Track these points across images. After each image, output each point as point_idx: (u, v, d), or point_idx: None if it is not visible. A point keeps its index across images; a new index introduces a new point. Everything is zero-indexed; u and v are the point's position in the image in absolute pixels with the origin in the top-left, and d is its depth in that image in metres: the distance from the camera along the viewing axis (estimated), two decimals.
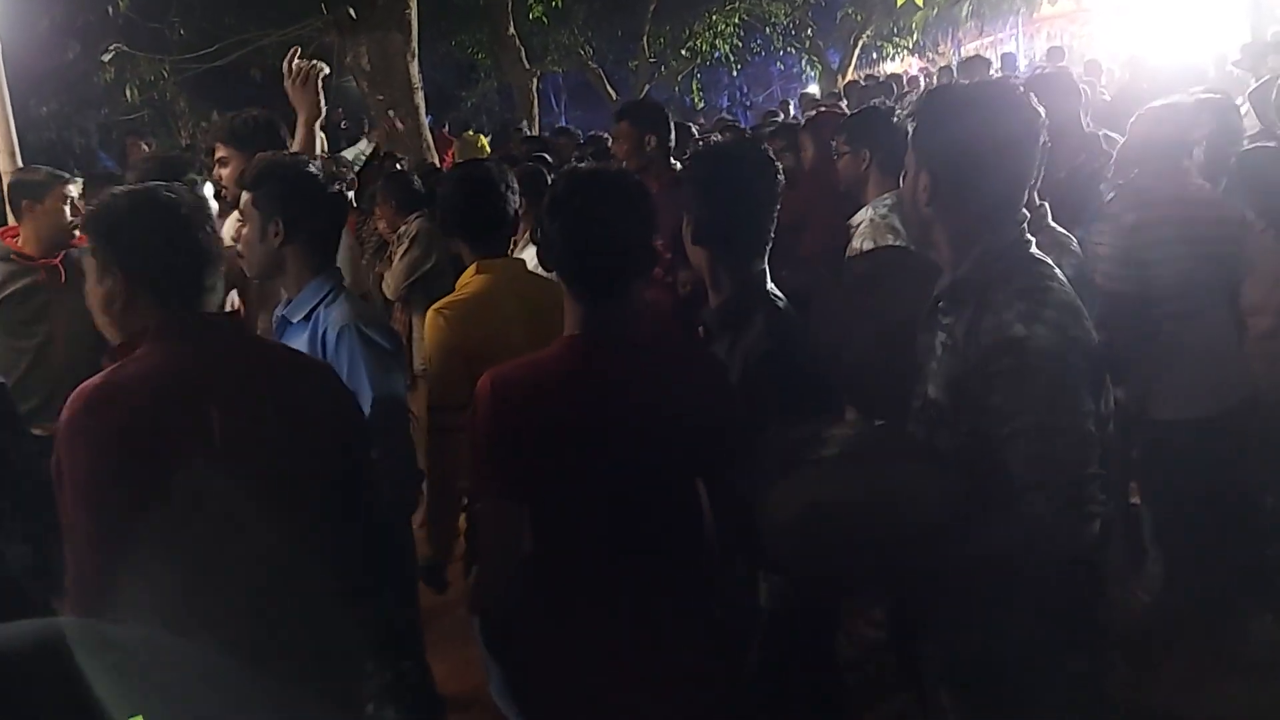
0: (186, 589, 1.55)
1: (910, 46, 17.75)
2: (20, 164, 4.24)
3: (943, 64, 15.47)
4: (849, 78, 15.55)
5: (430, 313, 2.50)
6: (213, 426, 1.67)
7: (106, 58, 8.05)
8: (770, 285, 2.21)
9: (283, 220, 2.20)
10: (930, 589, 1.76)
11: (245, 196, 2.25)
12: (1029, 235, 1.77)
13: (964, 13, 13.15)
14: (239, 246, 2.30)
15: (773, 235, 2.22)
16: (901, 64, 17.99)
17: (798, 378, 2.07)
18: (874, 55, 18.51)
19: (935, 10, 10.53)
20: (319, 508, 1.79)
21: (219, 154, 3.25)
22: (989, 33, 18.97)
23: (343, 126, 12.91)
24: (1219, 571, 3.14)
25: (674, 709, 1.79)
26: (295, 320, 2.27)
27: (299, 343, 2.24)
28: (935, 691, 1.89)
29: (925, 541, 1.61)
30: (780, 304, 2.20)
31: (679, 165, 3.80)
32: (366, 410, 2.15)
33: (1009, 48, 16.40)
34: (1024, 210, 1.79)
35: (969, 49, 18.67)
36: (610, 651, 1.76)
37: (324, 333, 2.21)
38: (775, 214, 2.20)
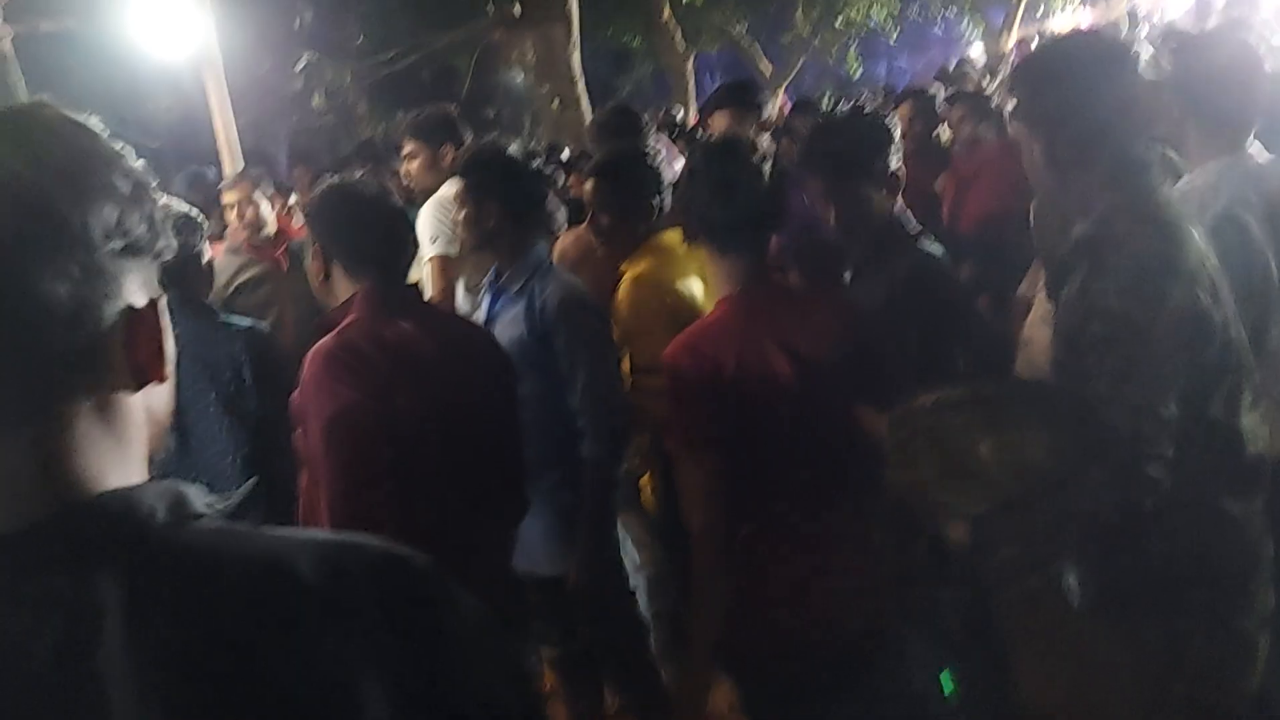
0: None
1: None
2: (239, 166, 4.69)
3: (1116, 14, 14.62)
4: (1015, 36, 14.93)
5: (628, 281, 2.67)
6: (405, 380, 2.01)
7: (299, 67, 8.66)
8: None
9: (501, 200, 2.46)
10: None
11: (462, 183, 2.51)
12: (1162, 195, 1.72)
13: None
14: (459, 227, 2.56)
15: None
16: (1073, 16, 17.11)
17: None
18: (1040, 10, 17.69)
19: None
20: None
21: (406, 149, 3.54)
22: None
23: (491, 117, 13.43)
24: None
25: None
26: (513, 291, 2.49)
27: (513, 312, 2.46)
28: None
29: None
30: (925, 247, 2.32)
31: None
32: (583, 376, 2.39)
33: None
34: (1153, 167, 1.74)
35: None
36: (804, 576, 1.95)
37: (542, 304, 2.42)
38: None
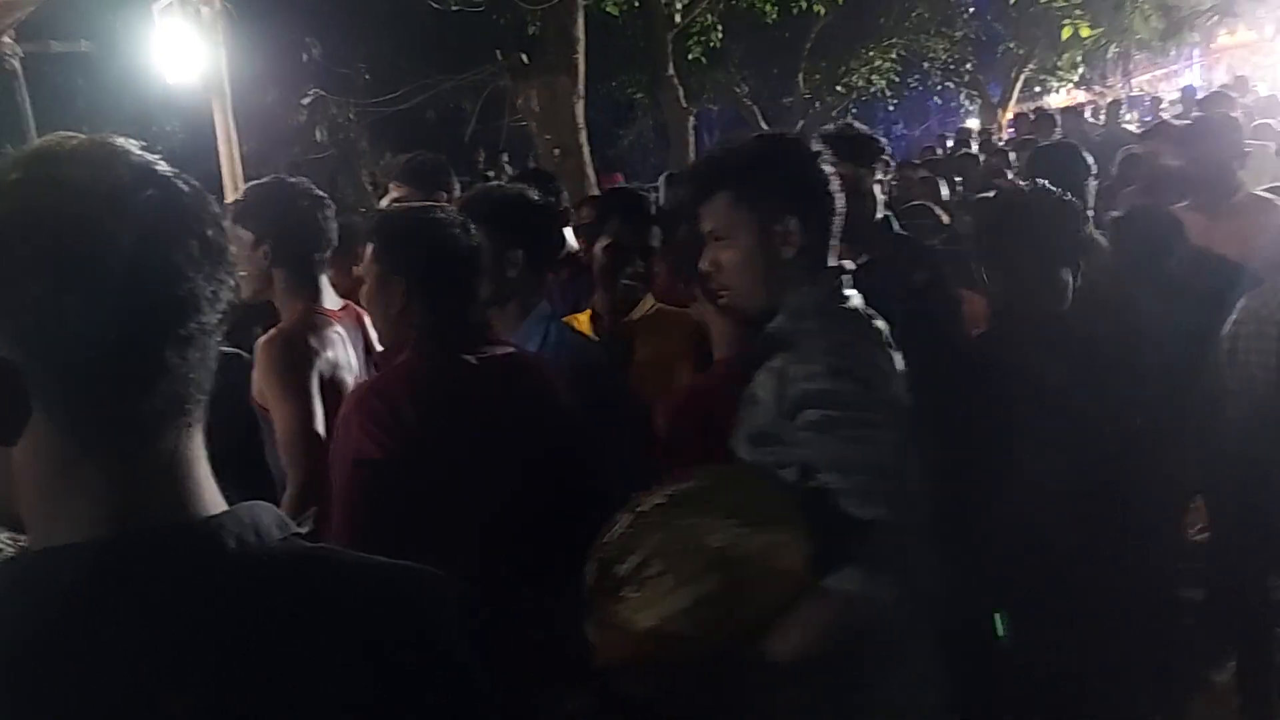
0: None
1: (1075, 80, 17.25)
2: None
3: (1112, 97, 14.95)
4: (1011, 112, 15.24)
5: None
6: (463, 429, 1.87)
7: (306, 101, 8.73)
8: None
9: (525, 247, 2.29)
10: None
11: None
12: (846, 290, 1.77)
13: (1113, 50, 12.48)
14: None
15: None
16: (1068, 97, 17.48)
17: None
18: (1037, 89, 18.06)
19: (1107, 44, 10.20)
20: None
21: (395, 192, 3.51)
22: (1162, 64, 18.22)
23: (499, 160, 13.55)
24: None
25: None
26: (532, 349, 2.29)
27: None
28: None
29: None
30: None
31: None
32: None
33: (1185, 79, 15.70)
34: (841, 265, 1.80)
35: (1140, 81, 18.00)
36: None
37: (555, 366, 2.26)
38: None
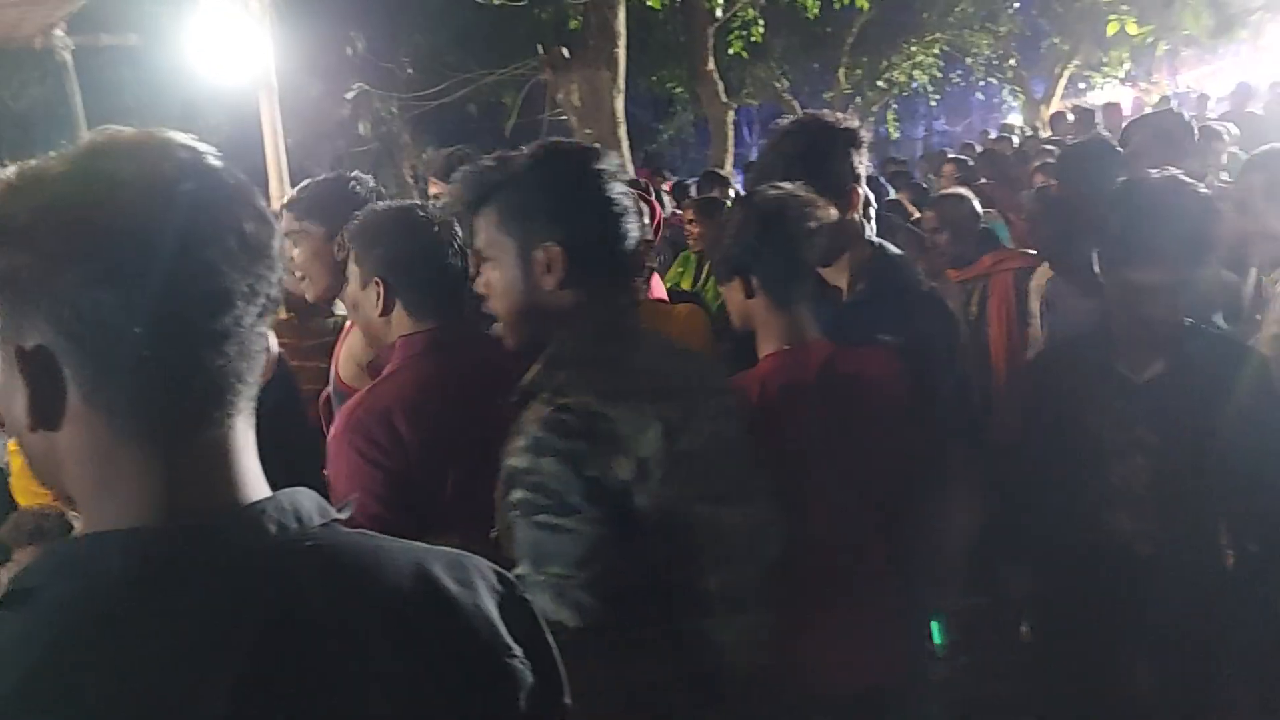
0: None
1: (1121, 76, 16.97)
2: (288, 189, 4.77)
3: (1159, 95, 14.70)
4: (1054, 108, 15.02)
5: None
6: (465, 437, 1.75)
7: (349, 95, 8.82)
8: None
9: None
10: None
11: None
12: (625, 325, 1.54)
13: (1159, 49, 12.11)
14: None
15: None
16: (1111, 94, 17.21)
17: None
18: (1081, 85, 17.80)
19: (1155, 41, 9.97)
20: None
21: (434, 189, 3.55)
22: (1209, 60, 17.87)
23: None
24: None
25: None
26: None
27: None
28: None
29: None
30: None
31: None
32: None
33: (1234, 76, 15.37)
34: (627, 301, 1.58)
35: (1187, 79, 17.68)
36: None
37: None
38: None
